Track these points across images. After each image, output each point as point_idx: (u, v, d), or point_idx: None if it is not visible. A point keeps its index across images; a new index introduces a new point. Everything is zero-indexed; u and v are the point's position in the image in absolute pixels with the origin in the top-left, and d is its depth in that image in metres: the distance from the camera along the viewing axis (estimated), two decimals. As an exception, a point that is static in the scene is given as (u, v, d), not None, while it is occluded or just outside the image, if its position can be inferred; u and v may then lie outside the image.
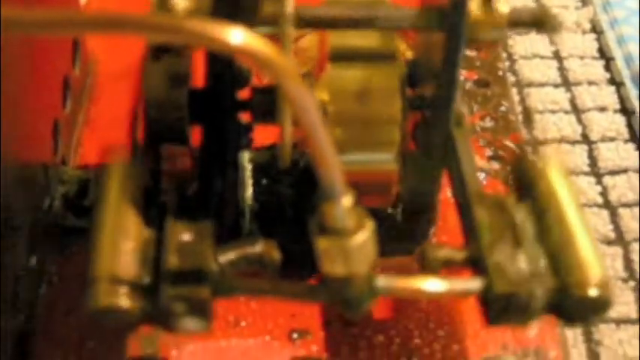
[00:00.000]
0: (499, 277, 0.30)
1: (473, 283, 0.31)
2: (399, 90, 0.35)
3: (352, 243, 0.28)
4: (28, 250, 0.37)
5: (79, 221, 0.41)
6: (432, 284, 0.31)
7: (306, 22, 0.34)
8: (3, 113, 0.33)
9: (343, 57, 0.35)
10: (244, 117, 0.36)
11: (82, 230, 0.40)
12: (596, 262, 0.31)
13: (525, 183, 0.33)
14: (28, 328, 0.37)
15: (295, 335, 0.39)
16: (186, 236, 0.31)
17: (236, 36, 0.24)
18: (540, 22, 0.34)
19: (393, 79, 0.35)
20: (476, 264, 0.31)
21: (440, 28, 0.34)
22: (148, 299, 0.30)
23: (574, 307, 0.30)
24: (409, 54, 0.38)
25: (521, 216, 0.32)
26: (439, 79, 0.35)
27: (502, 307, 0.30)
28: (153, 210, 0.32)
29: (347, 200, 0.28)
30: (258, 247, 0.31)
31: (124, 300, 0.29)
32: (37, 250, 0.38)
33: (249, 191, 0.41)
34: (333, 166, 0.27)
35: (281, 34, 0.32)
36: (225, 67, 0.34)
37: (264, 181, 0.41)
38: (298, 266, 0.34)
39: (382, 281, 0.30)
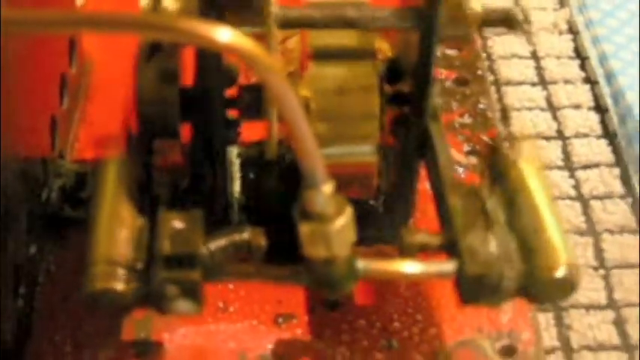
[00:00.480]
0: (471, 259, 0.31)
1: (447, 266, 0.32)
2: (377, 87, 0.36)
3: (333, 227, 0.30)
4: (28, 239, 0.38)
5: (76, 212, 0.41)
6: (409, 267, 0.32)
7: (290, 23, 0.34)
8: (3, 109, 0.34)
9: (324, 56, 0.36)
10: (232, 114, 0.37)
11: (78, 221, 0.41)
12: (562, 247, 0.32)
13: (498, 172, 0.34)
14: (27, 313, 0.38)
15: (281, 320, 0.39)
16: (178, 224, 0.32)
17: (224, 35, 0.25)
18: (510, 20, 0.35)
19: (371, 77, 0.36)
20: (450, 248, 0.33)
21: (416, 27, 0.35)
22: (142, 283, 0.31)
23: (542, 288, 0.31)
24: (390, 53, 0.39)
25: (493, 203, 0.33)
26: (416, 75, 0.36)
27: (474, 288, 0.32)
28: (146, 201, 0.34)
29: (327, 188, 0.29)
30: (245, 234, 0.32)
31: (119, 283, 0.31)
32: (36, 240, 0.39)
33: (237, 184, 0.42)
34: (315, 155, 0.28)
35: (266, 33, 0.33)
36: (213, 67, 0.35)
37: (252, 175, 0.42)
38: (284, 254, 0.35)
39: (362, 264, 0.32)
